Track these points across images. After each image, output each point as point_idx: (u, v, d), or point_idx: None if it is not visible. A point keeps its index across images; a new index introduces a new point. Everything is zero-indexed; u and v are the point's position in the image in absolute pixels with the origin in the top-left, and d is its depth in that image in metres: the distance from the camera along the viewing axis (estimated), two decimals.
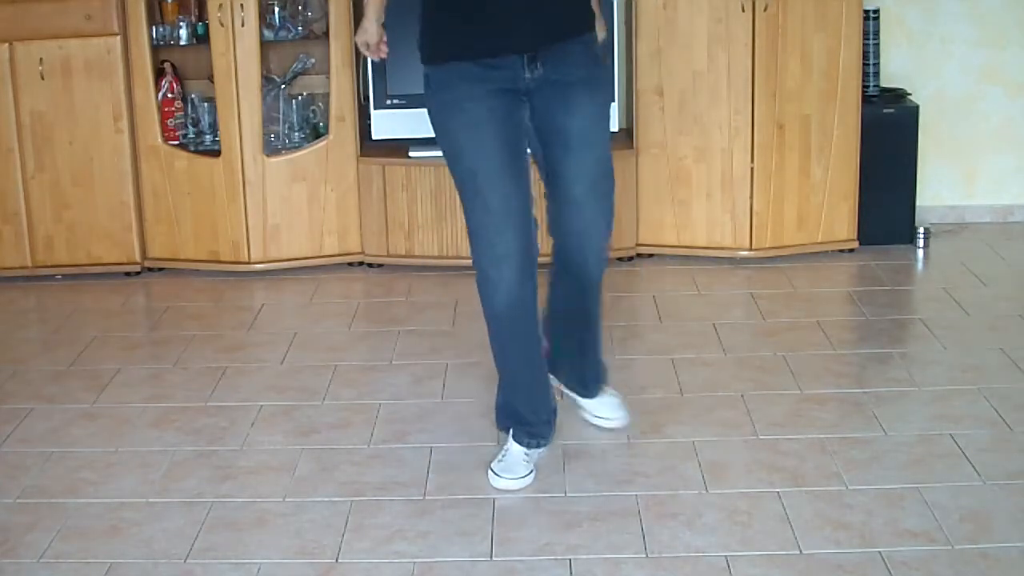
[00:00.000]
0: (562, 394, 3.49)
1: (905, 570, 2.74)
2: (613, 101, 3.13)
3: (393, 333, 4.25)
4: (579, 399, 3.49)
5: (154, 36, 4.78)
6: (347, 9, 4.68)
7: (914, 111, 4.89)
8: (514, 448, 3.23)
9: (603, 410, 3.48)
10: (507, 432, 3.28)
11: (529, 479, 3.17)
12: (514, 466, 3.19)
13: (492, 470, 3.20)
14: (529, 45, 2.99)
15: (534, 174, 3.12)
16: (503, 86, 3.01)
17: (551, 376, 3.35)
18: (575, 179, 3.09)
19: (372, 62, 4.66)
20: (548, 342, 3.32)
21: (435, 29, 3.04)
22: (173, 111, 4.88)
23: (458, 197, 3.13)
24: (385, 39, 3.22)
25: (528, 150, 3.12)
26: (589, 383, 3.46)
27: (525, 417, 3.23)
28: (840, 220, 4.83)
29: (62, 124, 4.75)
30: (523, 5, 2.95)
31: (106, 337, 4.29)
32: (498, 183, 3.01)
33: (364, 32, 3.23)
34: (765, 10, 4.59)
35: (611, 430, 3.46)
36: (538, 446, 3.25)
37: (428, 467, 3.29)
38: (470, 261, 4.79)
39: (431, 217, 4.77)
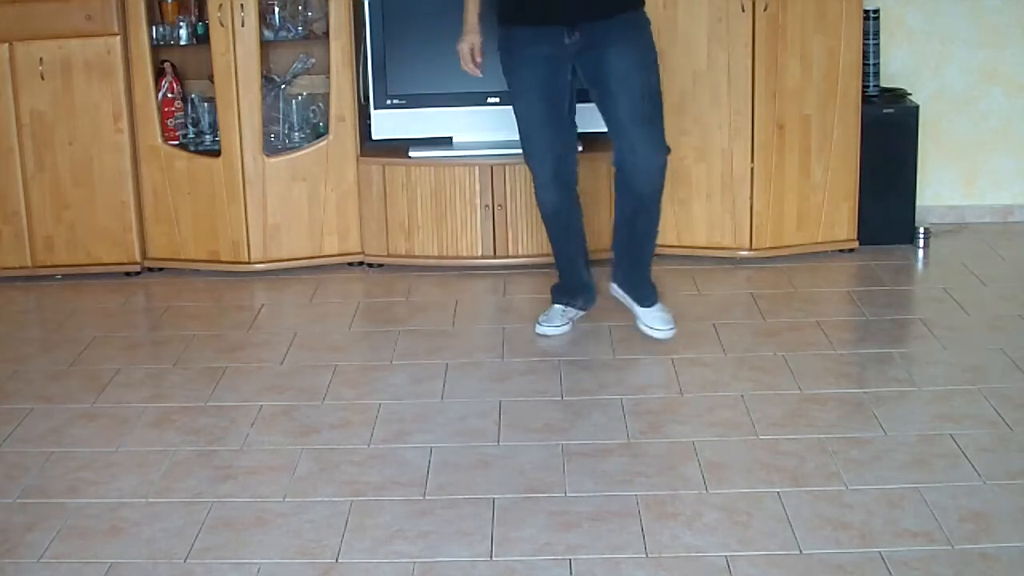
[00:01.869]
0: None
1: (905, 570, 2.74)
2: (655, 53, 3.94)
3: (393, 333, 4.25)
4: (633, 306, 4.12)
5: (154, 36, 4.78)
6: (347, 9, 4.68)
7: (914, 111, 4.89)
8: (554, 307, 4.22)
9: (653, 321, 4.08)
10: (555, 302, 4.23)
11: (564, 329, 4.18)
12: (553, 318, 4.20)
13: (537, 323, 4.20)
14: (567, 19, 3.81)
15: None
16: (548, 51, 3.86)
17: (613, 285, 4.17)
18: (619, 107, 3.87)
19: (372, 62, 4.67)
20: (613, 254, 4.15)
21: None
22: (173, 111, 4.88)
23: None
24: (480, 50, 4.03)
25: (569, 103, 3.97)
26: (640, 292, 4.11)
27: (562, 284, 4.23)
28: (840, 220, 4.83)
29: (62, 124, 4.75)
30: None
31: (106, 337, 4.29)
32: (539, 130, 3.97)
33: (471, 33, 4.00)
34: (765, 10, 4.59)
35: (659, 341, 4.05)
36: (568, 305, 4.21)
37: (428, 467, 3.29)
38: (470, 261, 4.83)
39: (431, 217, 4.77)
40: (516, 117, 4.00)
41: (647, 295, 4.11)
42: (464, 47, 4.00)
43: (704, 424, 3.50)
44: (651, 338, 4.08)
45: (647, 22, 3.94)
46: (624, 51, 3.85)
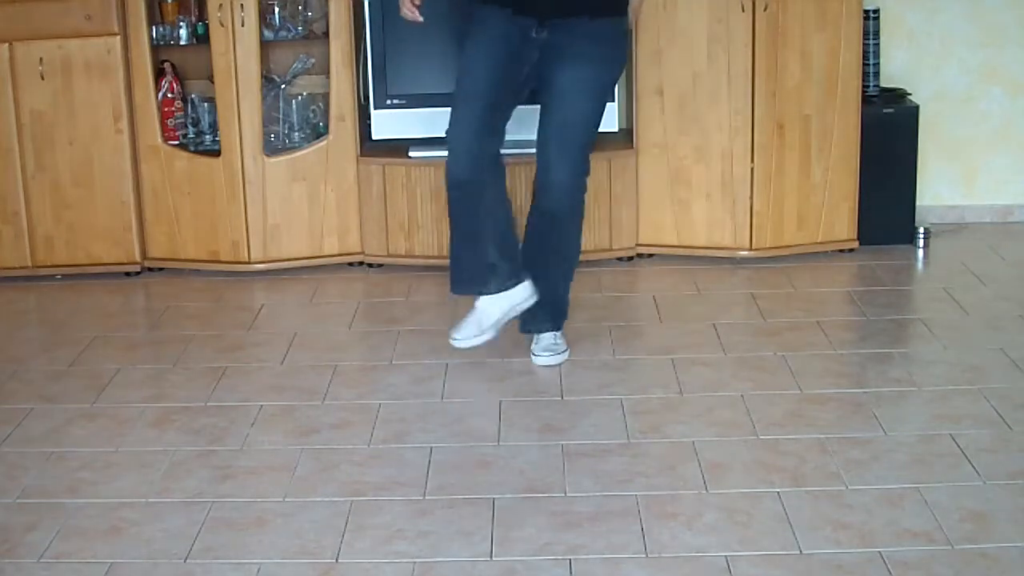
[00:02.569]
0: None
1: (905, 570, 2.75)
2: (613, 82, 3.89)
3: (393, 333, 4.25)
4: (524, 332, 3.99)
5: (154, 36, 4.78)
6: (347, 9, 4.68)
7: (914, 111, 4.89)
8: (472, 312, 3.89)
9: (536, 347, 3.96)
10: (461, 293, 3.95)
11: (481, 339, 3.89)
12: (465, 327, 3.90)
13: (452, 337, 3.90)
14: (539, 13, 3.66)
15: None
16: (514, 39, 3.69)
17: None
18: (548, 122, 3.76)
19: (372, 62, 4.66)
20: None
21: None
22: (173, 111, 4.88)
23: None
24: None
25: (515, 94, 3.78)
26: (534, 318, 3.95)
27: (461, 270, 3.88)
28: (840, 220, 4.83)
29: (62, 124, 4.75)
30: None
31: (106, 337, 4.29)
32: (472, 97, 3.72)
33: None
34: (765, 10, 4.59)
35: (544, 367, 3.90)
36: (480, 291, 3.86)
37: (428, 467, 3.29)
38: None
39: (431, 217, 4.77)
40: (456, 81, 3.76)
41: (542, 319, 3.94)
42: None
43: (704, 424, 3.50)
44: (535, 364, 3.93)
45: (622, 32, 3.80)
46: (579, 70, 3.70)
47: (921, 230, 4.95)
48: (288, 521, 3.04)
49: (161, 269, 4.91)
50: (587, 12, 3.68)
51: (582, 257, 4.78)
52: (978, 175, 5.25)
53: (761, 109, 4.67)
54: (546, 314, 3.94)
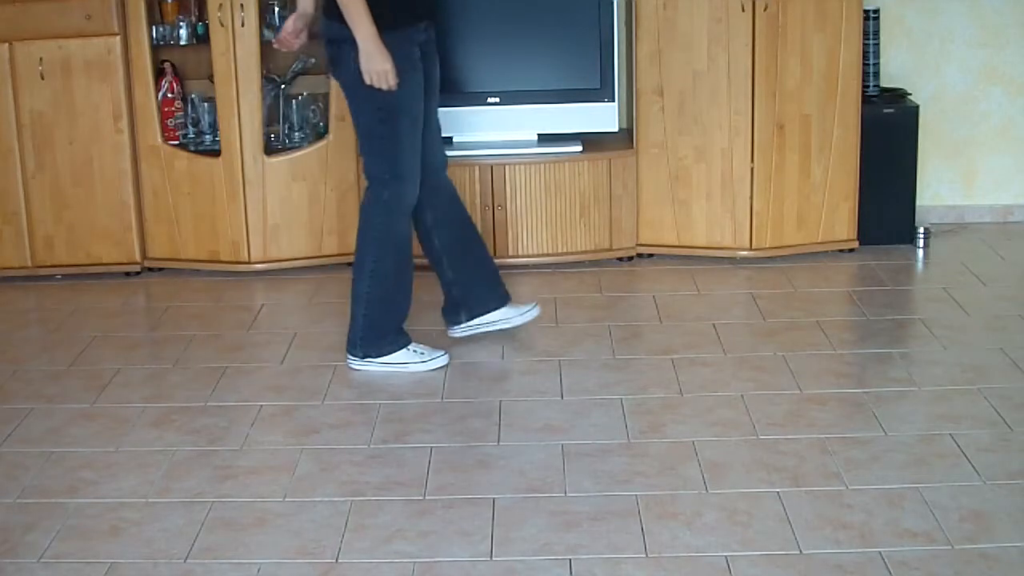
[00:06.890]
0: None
1: (905, 570, 2.75)
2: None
3: None
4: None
5: (154, 36, 4.79)
6: None
7: (914, 111, 4.89)
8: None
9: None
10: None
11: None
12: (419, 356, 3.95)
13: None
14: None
15: None
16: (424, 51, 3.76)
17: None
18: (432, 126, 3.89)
19: None
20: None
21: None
22: (173, 111, 4.88)
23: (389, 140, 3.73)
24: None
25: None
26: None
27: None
28: (840, 220, 4.83)
29: (62, 124, 4.75)
30: None
31: (106, 337, 4.29)
32: (417, 144, 3.77)
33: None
34: (765, 10, 4.59)
35: None
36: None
37: (428, 467, 3.29)
38: None
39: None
40: (398, 130, 3.73)
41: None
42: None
43: (704, 424, 3.50)
44: None
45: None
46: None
47: (921, 230, 4.95)
48: (288, 521, 3.04)
49: (161, 269, 4.91)
50: None
51: (583, 257, 4.80)
52: (978, 175, 5.25)
53: (761, 109, 4.67)
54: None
